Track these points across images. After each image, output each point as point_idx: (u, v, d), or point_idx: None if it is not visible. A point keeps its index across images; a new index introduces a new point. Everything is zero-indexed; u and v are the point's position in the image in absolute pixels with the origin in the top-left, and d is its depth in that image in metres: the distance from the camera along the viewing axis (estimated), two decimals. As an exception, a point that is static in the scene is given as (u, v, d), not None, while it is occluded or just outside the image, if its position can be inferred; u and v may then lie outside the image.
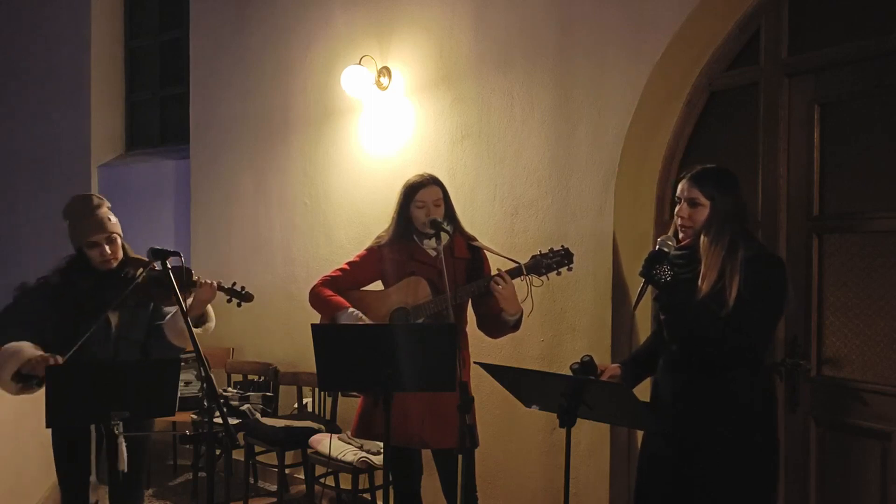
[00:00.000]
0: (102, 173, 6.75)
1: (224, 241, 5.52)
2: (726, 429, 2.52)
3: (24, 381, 2.81)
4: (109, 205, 3.10)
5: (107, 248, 2.99)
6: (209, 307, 3.12)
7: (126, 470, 2.71)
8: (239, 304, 3.14)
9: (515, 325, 3.16)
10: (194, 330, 2.97)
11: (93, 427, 2.97)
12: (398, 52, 4.40)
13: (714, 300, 2.47)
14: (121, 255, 3.05)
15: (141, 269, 3.00)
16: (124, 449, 2.71)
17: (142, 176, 6.45)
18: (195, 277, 3.00)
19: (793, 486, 3.12)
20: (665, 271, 2.51)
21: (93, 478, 2.99)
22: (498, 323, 3.17)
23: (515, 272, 3.07)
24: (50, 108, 7.03)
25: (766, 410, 2.60)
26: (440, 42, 4.20)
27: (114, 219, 3.05)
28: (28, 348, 2.83)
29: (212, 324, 3.15)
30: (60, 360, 2.77)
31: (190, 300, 3.01)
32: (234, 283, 3.13)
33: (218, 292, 3.06)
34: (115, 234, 3.02)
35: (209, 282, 3.03)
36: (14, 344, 2.84)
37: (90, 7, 6.73)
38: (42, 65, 7.11)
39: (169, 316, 3.08)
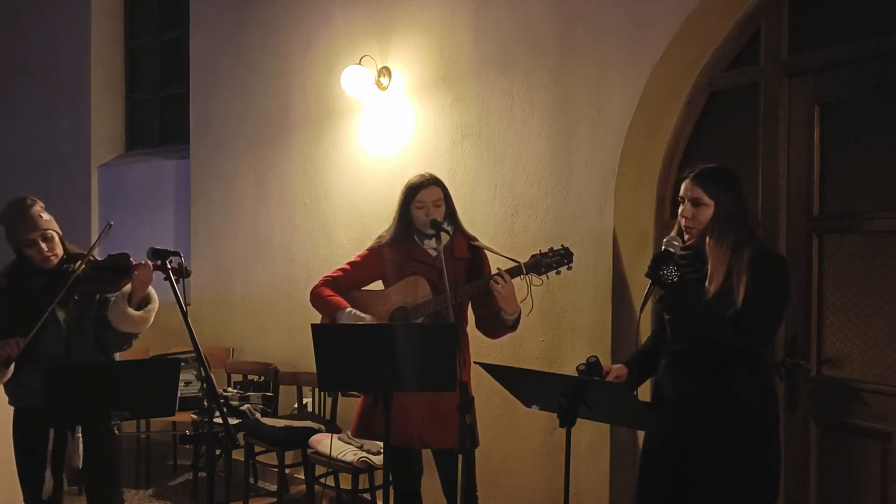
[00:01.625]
0: (102, 173, 6.75)
1: (224, 241, 5.52)
2: (727, 429, 2.52)
3: None
4: (43, 205, 3.12)
5: (43, 245, 3.01)
6: (151, 289, 3.08)
7: (80, 466, 2.73)
8: (178, 280, 3.04)
9: (514, 325, 3.16)
10: (137, 313, 3.01)
11: (51, 431, 2.98)
12: (398, 52, 4.40)
13: (720, 300, 2.47)
14: (60, 251, 3.07)
15: (79, 262, 3.00)
16: (80, 446, 2.72)
17: (142, 176, 6.45)
18: (131, 260, 3.00)
19: (793, 486, 3.12)
20: (672, 272, 2.50)
21: (48, 473, 3.00)
22: (496, 323, 3.16)
23: (515, 271, 3.07)
24: (50, 108, 7.03)
25: (766, 411, 2.60)
26: (440, 42, 4.20)
27: (46, 216, 3.07)
28: None
29: (154, 304, 3.12)
30: (22, 342, 2.81)
31: (129, 285, 3.00)
32: (170, 260, 3.02)
33: (156, 271, 3.01)
34: (49, 231, 3.04)
35: (145, 262, 2.99)
36: None
37: (90, 7, 6.73)
38: (42, 65, 7.11)
39: (111, 303, 3.08)
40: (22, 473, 3.06)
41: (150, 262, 2.97)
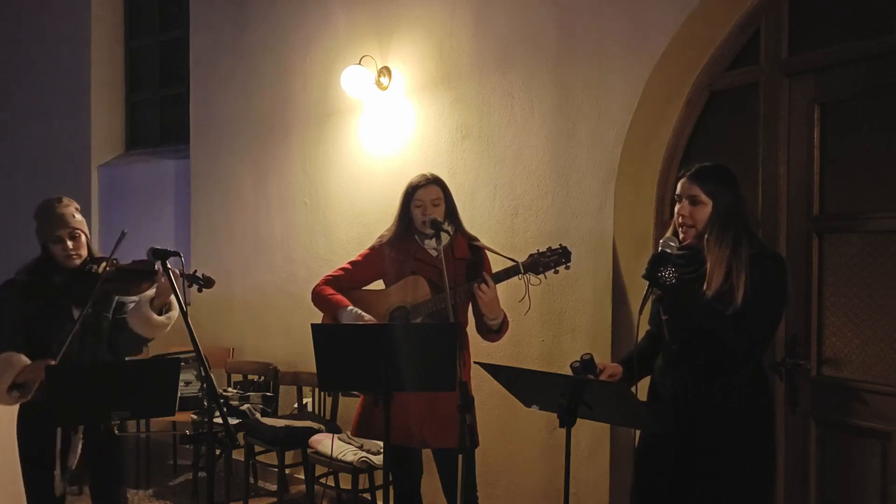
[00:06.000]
0: (102, 173, 6.75)
1: (224, 241, 5.52)
2: (726, 430, 2.52)
3: (18, 388, 2.88)
4: (78, 206, 3.15)
5: (69, 243, 3.02)
6: (172, 297, 3.10)
7: (74, 467, 2.74)
8: (200, 290, 3.10)
9: (499, 330, 3.19)
10: (159, 318, 3.03)
11: (58, 430, 2.98)
12: (398, 52, 4.40)
13: (719, 300, 2.46)
14: (85, 252, 3.09)
15: (104, 264, 3.02)
16: (79, 446, 2.73)
17: (142, 176, 6.45)
18: (156, 267, 3.00)
19: (793, 486, 3.12)
20: (670, 273, 2.50)
21: (57, 472, 3.01)
22: (482, 327, 3.21)
23: (513, 271, 3.07)
24: (50, 108, 7.03)
25: (766, 411, 2.60)
26: (440, 42, 4.20)
27: (79, 216, 3.10)
28: (19, 357, 2.89)
29: (175, 312, 3.13)
30: (53, 362, 2.80)
31: (152, 290, 3.03)
32: (195, 271, 3.12)
33: (179, 279, 3.04)
34: (78, 231, 3.06)
35: (172, 270, 2.99)
36: (2, 356, 2.90)
37: (90, 7, 6.73)
38: (42, 65, 7.11)
39: (131, 307, 3.11)
40: (28, 475, 3.05)
41: (176, 271, 3.00)
